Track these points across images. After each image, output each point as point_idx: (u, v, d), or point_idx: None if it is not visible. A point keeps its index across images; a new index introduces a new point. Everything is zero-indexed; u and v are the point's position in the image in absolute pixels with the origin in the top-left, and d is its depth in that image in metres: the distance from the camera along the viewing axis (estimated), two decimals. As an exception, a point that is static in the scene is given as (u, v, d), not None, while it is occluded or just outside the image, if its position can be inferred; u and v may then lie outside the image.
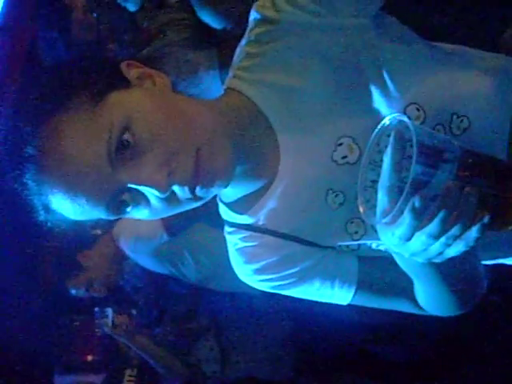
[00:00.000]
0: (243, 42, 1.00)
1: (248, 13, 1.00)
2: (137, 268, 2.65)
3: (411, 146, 0.74)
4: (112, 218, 0.91)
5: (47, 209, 0.91)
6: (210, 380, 2.65)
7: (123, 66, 0.92)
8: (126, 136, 0.84)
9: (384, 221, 0.78)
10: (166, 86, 0.93)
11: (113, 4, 2.04)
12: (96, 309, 2.81)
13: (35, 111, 0.87)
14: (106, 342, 3.05)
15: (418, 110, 0.97)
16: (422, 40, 1.04)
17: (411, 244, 0.78)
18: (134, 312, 2.83)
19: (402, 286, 1.03)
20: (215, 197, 1.02)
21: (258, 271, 1.03)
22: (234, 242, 1.05)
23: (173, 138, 0.85)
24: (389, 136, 0.96)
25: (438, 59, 1.03)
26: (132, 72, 0.92)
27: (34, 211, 0.93)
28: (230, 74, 1.01)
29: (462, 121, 0.99)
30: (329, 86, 0.96)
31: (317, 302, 1.08)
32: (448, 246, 0.76)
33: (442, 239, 0.76)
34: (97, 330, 2.95)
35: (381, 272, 1.04)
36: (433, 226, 0.74)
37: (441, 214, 0.74)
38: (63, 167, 0.85)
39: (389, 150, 0.77)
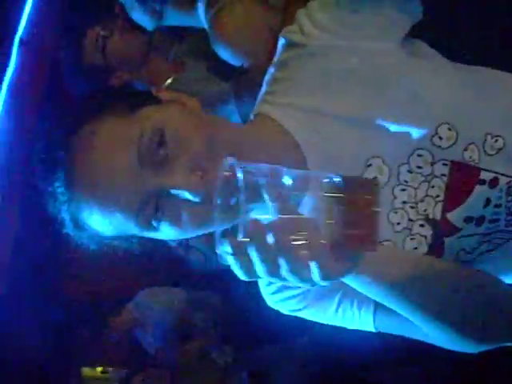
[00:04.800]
0: (271, 68, 1.02)
1: (266, 51, 1.01)
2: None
3: None
4: (141, 232, 0.90)
5: (76, 222, 0.92)
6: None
7: (153, 89, 0.96)
8: (157, 138, 0.86)
9: None
10: (197, 108, 0.96)
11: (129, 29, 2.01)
12: None
13: (69, 120, 0.91)
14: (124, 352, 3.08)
15: (449, 129, 0.98)
16: (449, 62, 1.05)
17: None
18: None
19: None
20: None
21: (283, 288, 1.03)
22: None
23: (203, 145, 0.87)
24: (419, 156, 0.96)
25: (467, 79, 1.03)
26: (163, 94, 0.96)
27: (62, 227, 0.93)
28: (259, 99, 1.03)
29: (496, 141, 1.00)
30: (356, 106, 0.97)
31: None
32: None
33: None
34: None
35: None
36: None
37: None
38: (94, 169, 0.87)
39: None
